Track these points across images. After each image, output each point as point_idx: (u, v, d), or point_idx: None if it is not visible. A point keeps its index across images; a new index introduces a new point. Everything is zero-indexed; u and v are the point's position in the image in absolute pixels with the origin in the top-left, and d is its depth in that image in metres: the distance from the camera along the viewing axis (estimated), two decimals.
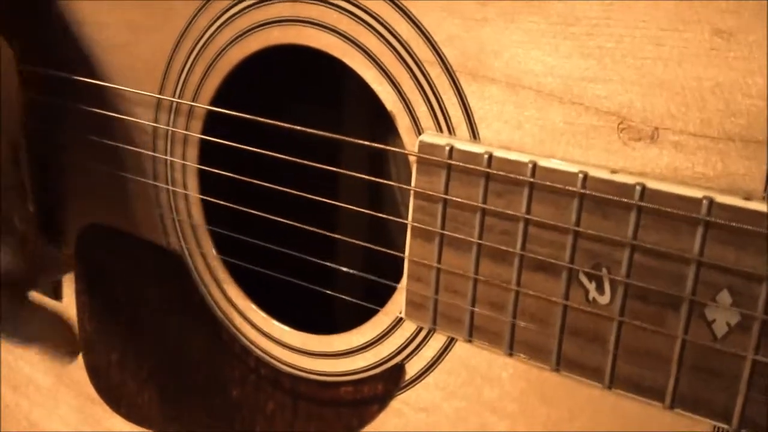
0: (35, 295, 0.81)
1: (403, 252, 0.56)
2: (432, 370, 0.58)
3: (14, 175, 0.74)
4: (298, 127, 0.58)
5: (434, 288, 0.55)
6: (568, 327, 0.50)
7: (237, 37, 0.62)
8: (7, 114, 0.70)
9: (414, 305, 0.56)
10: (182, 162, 0.68)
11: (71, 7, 0.71)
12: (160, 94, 0.68)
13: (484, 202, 0.51)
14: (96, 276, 0.78)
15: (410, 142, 0.55)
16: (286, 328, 0.67)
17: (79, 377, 0.82)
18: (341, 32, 0.57)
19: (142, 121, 0.69)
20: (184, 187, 0.69)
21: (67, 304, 0.81)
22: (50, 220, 0.80)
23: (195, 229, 0.70)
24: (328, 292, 0.64)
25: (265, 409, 0.69)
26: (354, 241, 0.61)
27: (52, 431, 0.87)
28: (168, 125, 0.68)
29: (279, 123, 0.59)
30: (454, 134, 0.53)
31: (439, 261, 0.54)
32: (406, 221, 0.55)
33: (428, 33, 0.53)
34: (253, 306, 0.68)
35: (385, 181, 0.59)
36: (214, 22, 0.63)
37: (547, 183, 0.48)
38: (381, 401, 0.61)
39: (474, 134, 0.52)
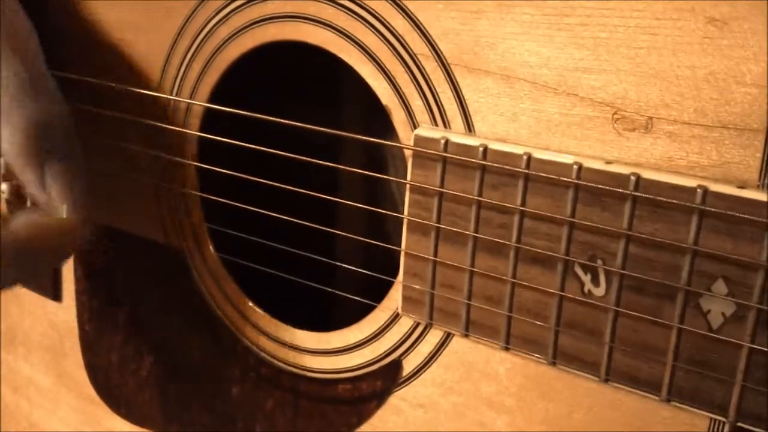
0: None
1: (400, 247, 0.56)
2: (429, 366, 0.58)
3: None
4: (295, 123, 0.58)
5: (431, 283, 0.55)
6: (564, 320, 0.50)
7: (234, 35, 0.62)
8: None
9: (410, 300, 0.56)
10: (181, 160, 0.68)
11: (69, 6, 0.72)
12: (157, 92, 0.68)
13: (480, 194, 0.51)
14: (96, 276, 0.78)
15: (406, 137, 0.55)
16: (285, 325, 0.67)
17: (79, 378, 0.82)
18: (337, 28, 0.57)
19: (141, 119, 0.69)
20: (183, 185, 0.69)
21: (67, 304, 0.81)
22: None
23: (194, 228, 0.70)
24: (326, 289, 0.64)
25: (264, 407, 0.69)
26: (351, 235, 0.60)
27: None
28: (167, 123, 0.68)
29: (276, 119, 0.59)
30: (450, 128, 0.52)
31: (435, 255, 0.54)
32: (402, 216, 0.55)
33: (423, 27, 0.52)
34: (252, 304, 0.68)
35: (381, 176, 0.59)
36: (211, 19, 0.63)
37: (542, 174, 0.48)
38: (379, 398, 0.61)
39: (469, 127, 0.52)
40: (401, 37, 0.54)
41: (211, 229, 0.69)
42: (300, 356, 0.66)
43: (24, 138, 0.56)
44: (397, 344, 0.59)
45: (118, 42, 0.70)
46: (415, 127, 0.54)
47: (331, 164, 0.59)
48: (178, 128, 0.67)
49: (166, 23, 0.66)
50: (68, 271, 0.80)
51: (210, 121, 0.66)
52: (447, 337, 0.56)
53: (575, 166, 0.47)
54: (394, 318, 0.58)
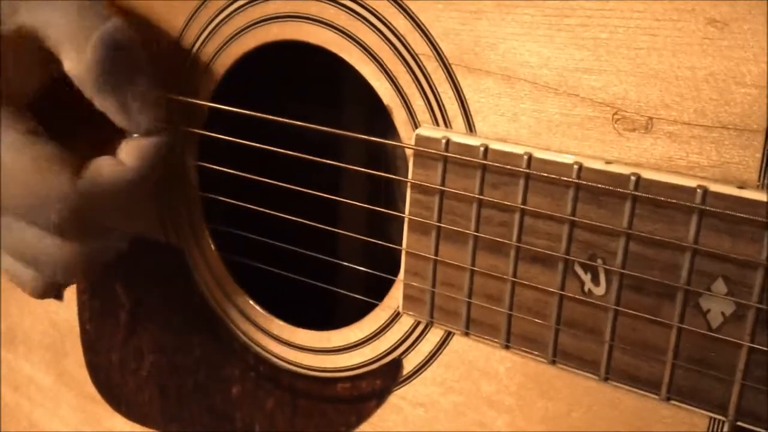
0: None
1: (401, 246, 0.56)
2: (429, 365, 0.58)
3: None
4: (297, 123, 0.58)
5: (431, 281, 0.55)
6: (564, 319, 0.50)
7: (236, 34, 0.62)
8: None
9: (411, 299, 0.56)
10: (182, 158, 0.68)
11: None
12: None
13: (481, 194, 0.51)
14: (96, 275, 0.78)
15: (407, 136, 0.55)
16: (285, 324, 0.67)
17: (79, 377, 0.82)
18: (339, 28, 0.57)
19: None
20: (184, 183, 0.69)
21: (68, 303, 0.81)
22: None
23: (194, 227, 0.70)
24: (327, 287, 0.64)
25: (264, 406, 0.69)
26: (352, 234, 0.61)
27: (53, 431, 0.87)
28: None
29: (278, 118, 0.59)
30: (451, 127, 0.53)
31: (436, 254, 0.54)
32: (403, 215, 0.55)
33: (425, 27, 0.53)
34: (252, 302, 0.68)
35: (383, 174, 0.59)
36: (213, 19, 0.63)
37: (543, 174, 0.48)
38: (379, 397, 0.61)
39: (470, 127, 0.52)
40: (403, 37, 0.54)
41: (211, 228, 0.69)
42: (300, 355, 0.66)
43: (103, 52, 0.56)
44: (398, 343, 0.59)
45: None
46: (417, 127, 0.54)
47: (332, 162, 0.59)
48: (180, 127, 0.67)
49: (168, 23, 0.66)
50: None
51: (212, 120, 0.66)
52: (447, 336, 0.56)
53: (576, 166, 0.47)
54: (395, 317, 0.59)
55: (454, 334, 0.56)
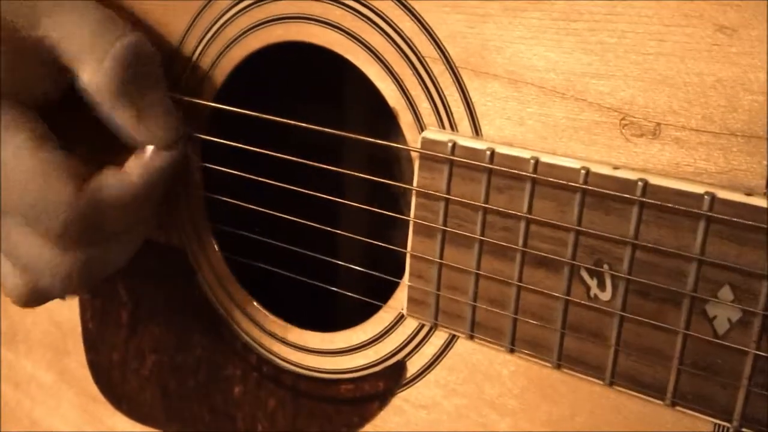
0: None
1: (406, 249, 0.56)
2: (433, 368, 0.58)
3: None
4: (301, 124, 0.58)
5: (436, 284, 0.55)
6: (570, 323, 0.50)
7: (240, 36, 0.62)
8: None
9: (415, 302, 0.56)
10: (186, 159, 0.68)
11: None
12: None
13: (486, 198, 0.51)
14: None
15: (413, 139, 0.55)
16: (288, 325, 0.67)
17: (81, 375, 0.82)
18: (345, 29, 0.57)
19: None
20: (186, 184, 0.69)
21: (70, 302, 0.81)
22: None
23: (197, 227, 0.70)
24: (331, 288, 0.64)
25: (266, 406, 0.69)
26: (356, 236, 0.61)
27: (54, 430, 0.87)
28: None
29: (282, 120, 0.59)
30: (457, 130, 0.53)
31: (440, 257, 0.54)
32: (408, 218, 0.55)
33: (431, 29, 0.53)
34: (255, 303, 0.68)
35: (387, 181, 0.59)
36: (217, 20, 0.63)
37: (549, 179, 0.48)
38: (382, 399, 0.61)
39: (476, 130, 0.52)
40: (409, 38, 0.54)
41: (214, 228, 0.69)
42: (303, 356, 0.66)
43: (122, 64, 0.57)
44: (402, 345, 0.59)
45: None
46: (422, 130, 0.54)
47: (336, 169, 0.59)
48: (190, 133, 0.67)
49: (172, 23, 0.66)
50: None
51: (216, 121, 0.66)
52: (451, 339, 0.56)
53: (583, 171, 0.47)
54: (399, 319, 0.59)
55: (458, 337, 0.56)
